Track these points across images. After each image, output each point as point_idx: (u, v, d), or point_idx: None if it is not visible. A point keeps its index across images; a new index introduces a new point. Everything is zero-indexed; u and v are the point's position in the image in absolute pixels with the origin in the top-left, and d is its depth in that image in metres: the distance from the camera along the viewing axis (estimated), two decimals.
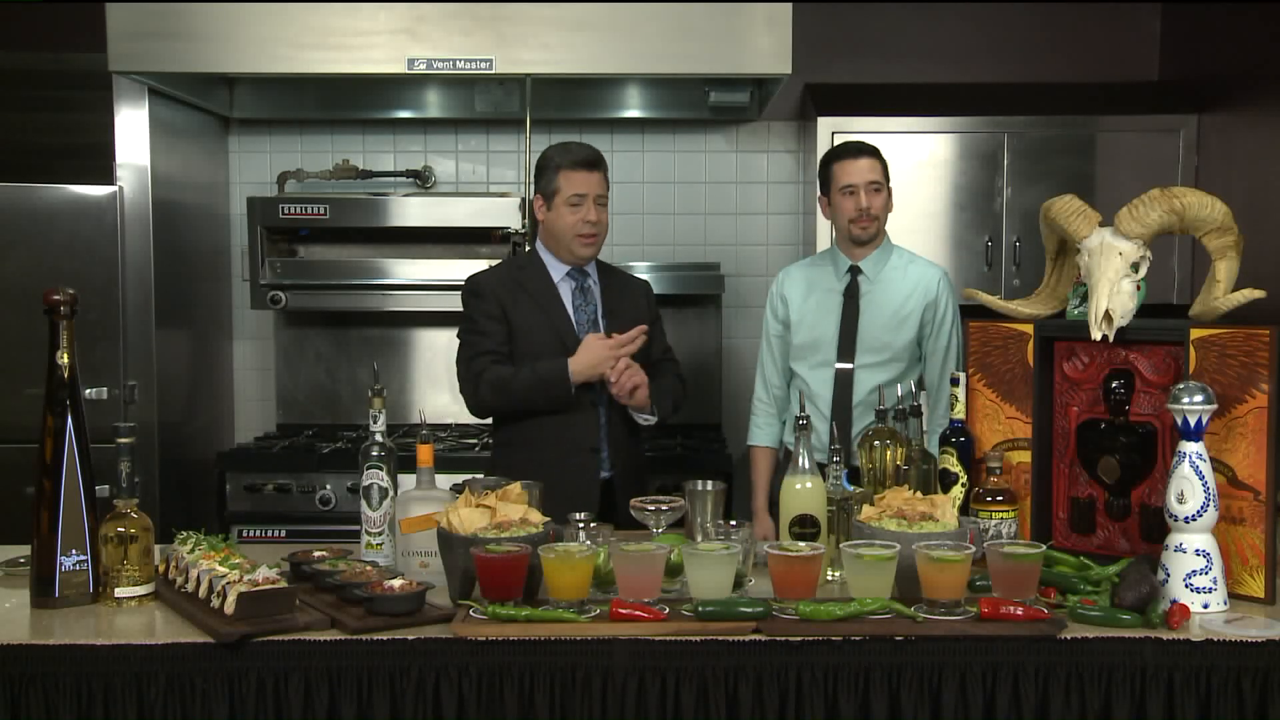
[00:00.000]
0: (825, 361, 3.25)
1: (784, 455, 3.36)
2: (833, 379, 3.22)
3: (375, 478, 2.52)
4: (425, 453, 2.51)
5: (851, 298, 3.24)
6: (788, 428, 3.35)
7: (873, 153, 3.23)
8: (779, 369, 3.39)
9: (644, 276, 4.46)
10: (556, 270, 3.15)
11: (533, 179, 3.19)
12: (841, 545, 2.23)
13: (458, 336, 3.17)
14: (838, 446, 2.54)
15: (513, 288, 3.13)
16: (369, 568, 2.35)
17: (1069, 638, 2.06)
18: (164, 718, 2.04)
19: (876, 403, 2.63)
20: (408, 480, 2.51)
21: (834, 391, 3.21)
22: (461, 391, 3.12)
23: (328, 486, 4.03)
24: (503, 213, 4.28)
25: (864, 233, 3.22)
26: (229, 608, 2.09)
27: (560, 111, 4.57)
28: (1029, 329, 2.56)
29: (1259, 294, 2.36)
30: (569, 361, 2.99)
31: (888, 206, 3.25)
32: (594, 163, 3.09)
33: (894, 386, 2.86)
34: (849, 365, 3.20)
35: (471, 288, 3.17)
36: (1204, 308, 2.39)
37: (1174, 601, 2.15)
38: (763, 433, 3.43)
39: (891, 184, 3.26)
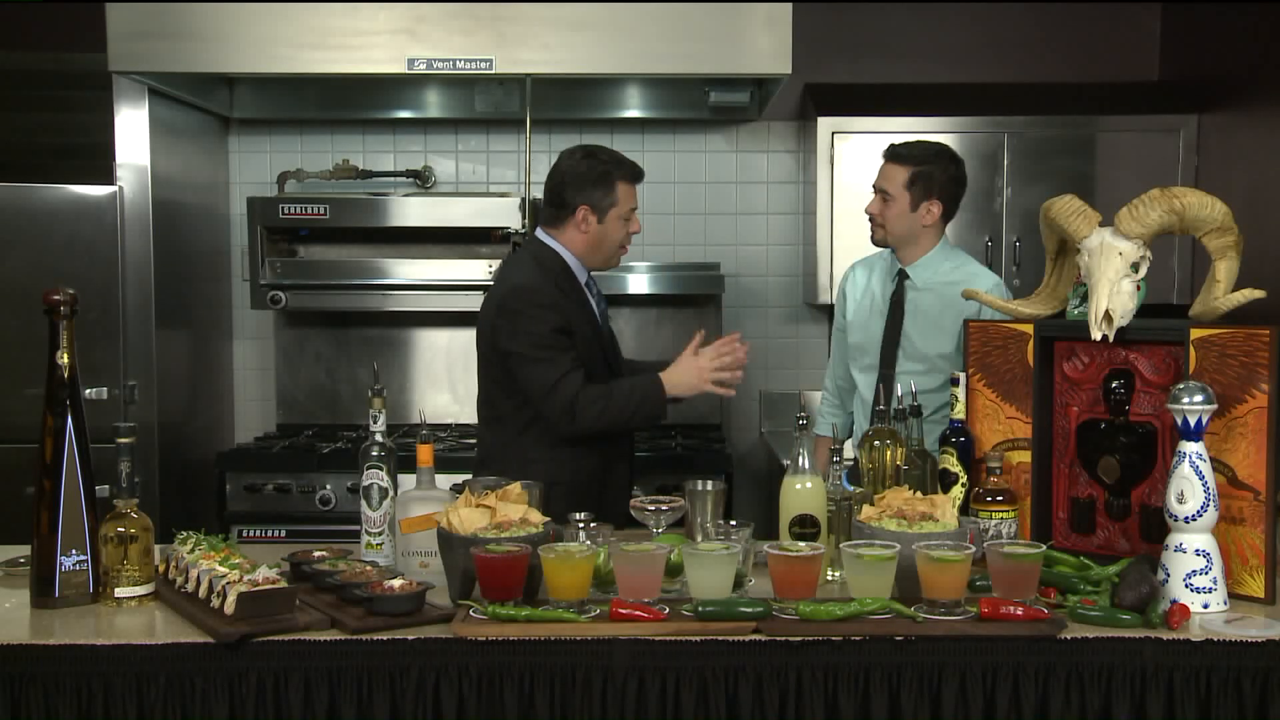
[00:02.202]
0: (871, 365, 3.22)
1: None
2: (875, 384, 3.16)
3: (375, 478, 2.52)
4: (425, 453, 2.51)
5: (897, 304, 3.19)
6: (855, 421, 3.34)
7: (900, 158, 3.13)
8: (842, 362, 3.39)
9: (644, 276, 4.51)
10: (580, 274, 3.06)
11: (575, 188, 2.99)
12: (841, 545, 2.23)
13: (520, 350, 2.91)
14: (838, 446, 2.54)
15: (560, 295, 2.97)
16: (369, 568, 2.35)
17: (1069, 638, 2.06)
18: (164, 718, 2.04)
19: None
20: (408, 480, 2.50)
21: (873, 396, 3.18)
22: (551, 416, 2.89)
23: (328, 486, 4.03)
24: (503, 213, 4.28)
25: (871, 236, 3.21)
26: (229, 608, 2.09)
27: (560, 111, 4.57)
28: (1029, 329, 2.56)
29: (1259, 294, 2.36)
30: (662, 377, 2.92)
31: (902, 216, 3.13)
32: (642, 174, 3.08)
33: (893, 385, 2.86)
34: (890, 371, 3.16)
35: (537, 299, 2.93)
36: (1204, 308, 2.39)
37: (1174, 601, 2.15)
38: (823, 421, 3.47)
39: (928, 196, 3.12)
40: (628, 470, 3.14)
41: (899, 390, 2.74)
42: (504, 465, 2.88)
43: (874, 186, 3.18)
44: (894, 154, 3.16)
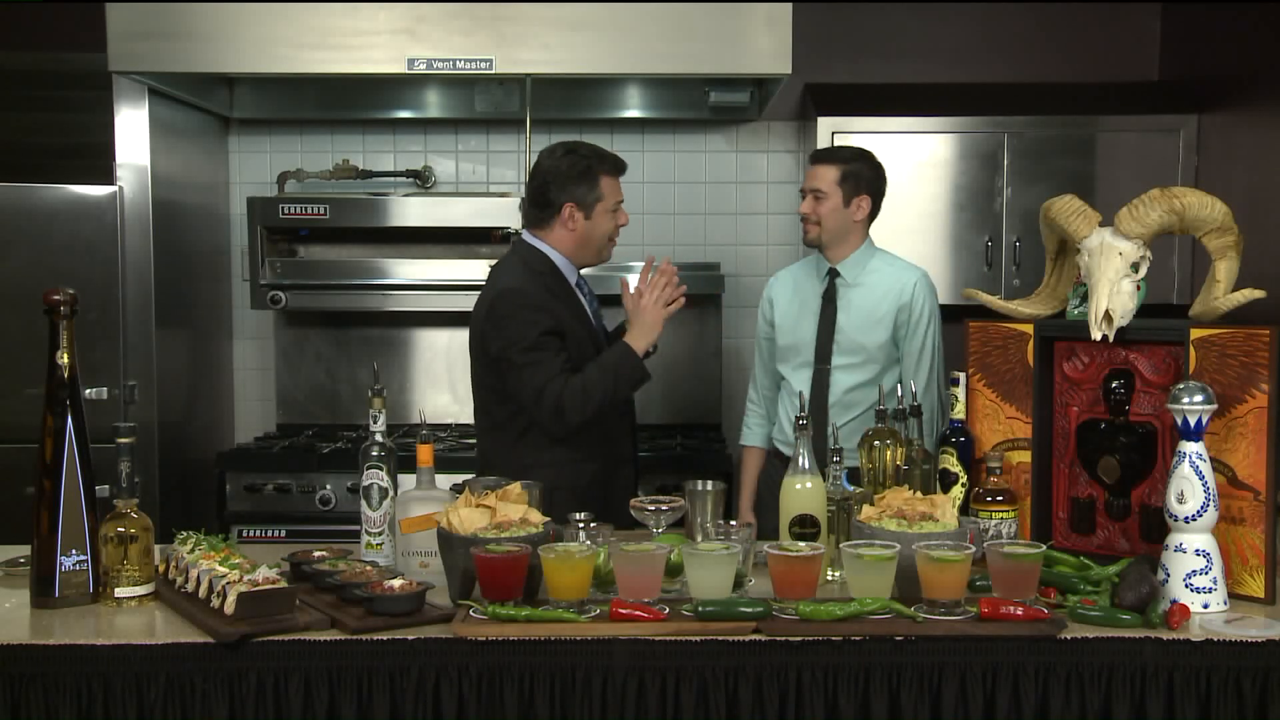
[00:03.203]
0: (805, 363, 3.28)
1: (773, 455, 3.42)
2: (811, 379, 3.25)
3: (375, 478, 2.52)
4: (425, 453, 2.51)
5: (829, 300, 3.28)
6: (776, 429, 3.40)
7: (830, 158, 3.27)
8: (767, 371, 3.44)
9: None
10: (570, 274, 3.05)
11: (559, 186, 2.98)
12: (841, 545, 2.23)
13: (508, 355, 2.90)
14: (838, 446, 2.54)
15: (549, 296, 2.96)
16: (369, 568, 2.35)
17: (1069, 638, 2.06)
18: (164, 718, 2.04)
19: (852, 402, 2.62)
20: (408, 480, 2.51)
21: (811, 391, 3.23)
22: (543, 421, 2.89)
23: (328, 486, 4.03)
24: (503, 213, 4.28)
25: (805, 236, 3.30)
26: (229, 608, 2.09)
27: (560, 111, 4.56)
28: (1029, 329, 2.56)
29: (1259, 294, 2.36)
30: (626, 339, 2.93)
31: (835, 212, 3.22)
32: (625, 167, 3.09)
33: (894, 387, 2.87)
34: (826, 366, 3.25)
35: (526, 301, 2.92)
36: (1204, 308, 2.39)
37: (1174, 601, 2.15)
38: (751, 434, 3.50)
39: (858, 192, 3.22)
40: (631, 473, 3.14)
41: (899, 390, 2.74)
42: (504, 473, 2.83)
43: (802, 190, 3.30)
44: (822, 156, 3.31)
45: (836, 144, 3.38)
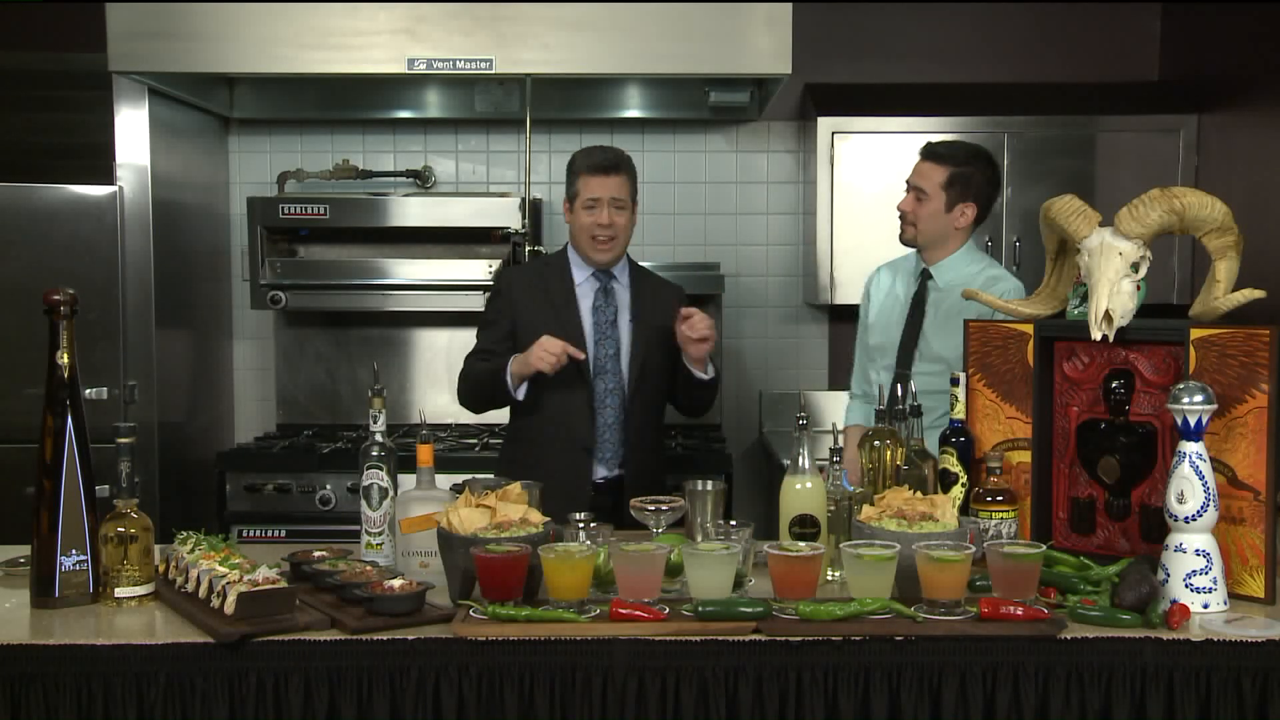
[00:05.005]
0: (890, 366, 3.18)
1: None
2: (890, 384, 3.14)
3: (375, 478, 2.52)
4: (425, 453, 2.51)
5: (918, 304, 3.16)
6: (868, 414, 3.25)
7: (940, 157, 3.10)
8: (864, 367, 3.35)
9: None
10: (580, 271, 3.19)
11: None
12: (841, 545, 2.23)
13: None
14: (839, 446, 2.54)
15: (532, 285, 3.21)
16: (369, 568, 2.35)
17: (1069, 638, 2.06)
18: (164, 718, 2.04)
19: (927, 408, 2.50)
20: (408, 480, 2.51)
21: (889, 395, 3.15)
22: None
23: (328, 486, 4.03)
24: (503, 213, 4.29)
25: (900, 234, 3.16)
26: (229, 608, 2.09)
27: (560, 111, 4.57)
28: (1029, 329, 2.56)
29: (1259, 294, 2.36)
30: (513, 357, 3.05)
31: (935, 216, 3.08)
32: (610, 167, 3.11)
33: (909, 386, 2.85)
34: (907, 372, 3.11)
35: (494, 283, 3.41)
36: (1204, 308, 2.39)
37: (1174, 601, 2.15)
38: (850, 416, 3.43)
39: (964, 198, 3.08)
40: (588, 464, 3.12)
41: (899, 390, 2.73)
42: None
43: (908, 183, 3.13)
44: (932, 153, 3.12)
45: (948, 140, 3.03)
